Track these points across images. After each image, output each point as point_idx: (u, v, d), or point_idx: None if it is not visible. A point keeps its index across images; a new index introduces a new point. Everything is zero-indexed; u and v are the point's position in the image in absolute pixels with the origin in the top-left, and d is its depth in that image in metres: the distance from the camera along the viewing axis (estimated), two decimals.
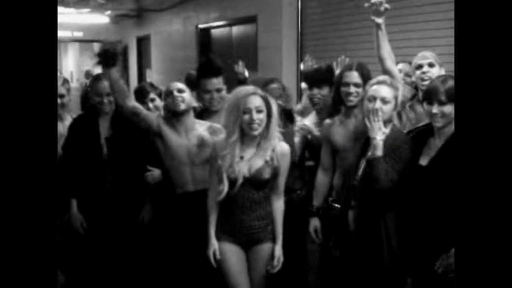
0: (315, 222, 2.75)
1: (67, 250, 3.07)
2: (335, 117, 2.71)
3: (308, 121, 3.03)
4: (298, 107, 3.33)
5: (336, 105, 2.70)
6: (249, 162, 2.35)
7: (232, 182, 2.33)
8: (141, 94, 3.16)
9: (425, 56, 2.75)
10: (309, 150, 3.02)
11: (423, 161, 2.18)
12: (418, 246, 2.16)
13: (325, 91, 2.89)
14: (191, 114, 2.78)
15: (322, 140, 2.78)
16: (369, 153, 2.23)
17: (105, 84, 2.91)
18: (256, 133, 2.30)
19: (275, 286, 2.82)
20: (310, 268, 3.29)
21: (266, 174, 2.35)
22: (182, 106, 2.68)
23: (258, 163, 2.35)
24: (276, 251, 2.45)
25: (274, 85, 2.89)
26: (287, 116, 2.91)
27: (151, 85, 3.29)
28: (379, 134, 2.21)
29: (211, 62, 2.99)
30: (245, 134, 2.33)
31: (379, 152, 2.20)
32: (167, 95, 2.73)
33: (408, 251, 2.22)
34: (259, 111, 2.27)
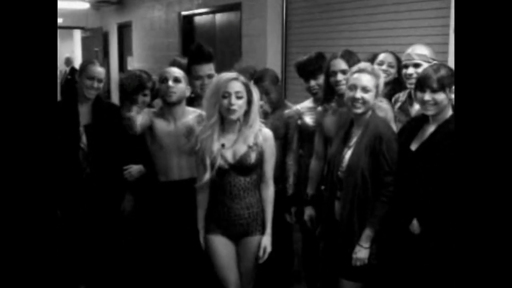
0: (309, 211, 2.75)
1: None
2: (328, 105, 2.70)
3: (304, 106, 3.01)
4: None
5: (327, 95, 2.71)
6: (232, 148, 2.36)
7: (219, 169, 2.33)
8: (138, 85, 2.99)
9: (411, 56, 2.65)
10: (299, 137, 2.99)
11: (413, 146, 2.19)
12: (403, 233, 2.15)
13: (321, 79, 2.86)
14: (183, 103, 2.74)
15: (316, 127, 2.78)
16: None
17: (99, 69, 2.92)
18: (234, 117, 2.32)
19: (262, 276, 2.81)
20: (295, 257, 3.28)
21: (252, 159, 2.36)
22: (174, 97, 2.65)
23: (242, 149, 2.36)
24: (263, 241, 2.43)
25: (265, 82, 2.94)
26: (275, 106, 2.94)
27: (149, 77, 3.11)
28: None
29: (202, 48, 3.00)
30: (225, 120, 2.36)
31: None
32: (162, 81, 2.66)
33: (387, 243, 2.22)
34: (238, 97, 2.31)
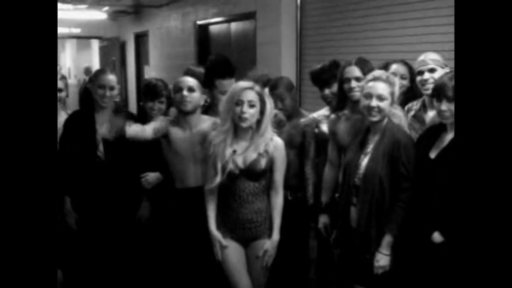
0: (324, 219, 2.76)
1: (64, 248, 3.04)
2: (341, 112, 2.71)
3: (320, 114, 3.03)
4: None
5: (340, 102, 2.72)
6: (243, 154, 2.43)
7: (229, 174, 2.39)
8: (154, 93, 3.05)
9: (425, 62, 2.64)
10: (316, 146, 3.00)
11: (432, 154, 2.18)
12: (422, 242, 2.14)
13: (335, 88, 2.87)
14: (198, 111, 2.77)
15: (329, 135, 2.79)
16: None
17: (110, 77, 2.91)
18: (244, 125, 2.39)
19: (277, 282, 2.83)
20: (311, 265, 3.28)
21: (261, 165, 2.42)
22: (189, 107, 2.68)
23: (252, 155, 2.43)
24: (266, 244, 2.47)
25: (279, 89, 2.94)
26: (291, 115, 2.96)
27: (165, 86, 3.14)
28: None
29: (229, 63, 3.00)
30: (238, 127, 2.42)
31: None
32: (177, 91, 2.70)
33: (407, 248, 2.21)
34: (251, 106, 2.37)
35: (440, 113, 2.13)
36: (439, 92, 2.12)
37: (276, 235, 2.50)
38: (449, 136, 2.16)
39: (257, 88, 2.42)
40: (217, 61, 3.08)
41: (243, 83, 2.44)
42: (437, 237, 2.08)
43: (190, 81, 2.73)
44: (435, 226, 2.09)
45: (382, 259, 2.23)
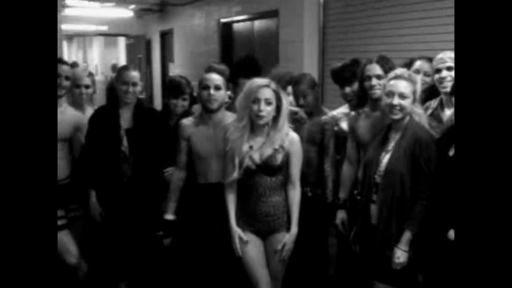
0: (342, 215, 2.78)
1: (88, 239, 3.14)
2: (361, 110, 2.72)
3: (340, 112, 3.05)
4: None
5: (361, 99, 2.73)
6: (259, 150, 2.48)
7: (246, 169, 2.45)
8: (178, 90, 3.13)
9: (443, 60, 2.63)
10: (336, 143, 3.02)
11: (451, 152, 2.19)
12: (440, 239, 2.15)
13: (356, 86, 2.89)
14: (223, 108, 2.81)
15: (348, 132, 2.80)
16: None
17: (133, 73, 2.95)
18: (261, 122, 2.44)
19: (296, 279, 2.86)
20: (330, 262, 3.30)
21: (278, 160, 2.47)
22: (215, 105, 2.72)
23: (268, 151, 2.48)
24: (284, 238, 2.51)
25: (302, 86, 2.97)
26: (312, 112, 2.99)
27: (188, 83, 3.23)
28: None
29: (255, 63, 3.03)
30: (254, 124, 2.47)
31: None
32: (203, 88, 2.73)
33: (423, 247, 2.22)
34: (268, 103, 2.42)
35: None
36: None
37: (294, 228, 2.53)
38: None
39: (273, 85, 2.46)
40: (245, 60, 3.13)
41: (259, 81, 2.48)
42: (452, 234, 2.09)
43: (217, 79, 2.75)
44: (451, 224, 2.10)
45: (402, 256, 2.25)
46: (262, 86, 2.43)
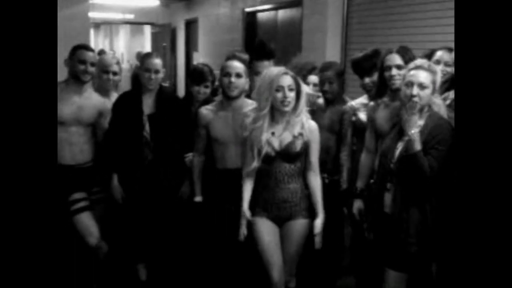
0: (358, 203, 2.81)
1: (109, 220, 3.23)
2: (381, 100, 2.73)
3: (358, 102, 3.07)
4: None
5: (380, 89, 2.75)
6: (279, 137, 2.52)
7: (266, 156, 2.49)
8: (201, 78, 3.20)
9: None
10: (353, 133, 3.05)
11: None
12: (451, 230, 2.16)
13: (375, 77, 2.90)
14: (243, 96, 2.85)
15: (367, 122, 2.82)
16: (406, 148, 2.24)
17: (156, 61, 3.01)
18: (287, 109, 2.47)
19: (311, 267, 2.90)
20: (345, 252, 3.33)
21: (297, 147, 2.51)
22: (236, 92, 2.77)
23: (288, 138, 2.52)
24: (316, 227, 2.54)
25: (329, 72, 3.03)
26: (334, 100, 3.05)
27: (210, 71, 3.29)
28: (415, 129, 2.21)
29: (264, 45, 3.13)
30: (276, 111, 2.50)
31: (418, 147, 2.22)
32: (225, 75, 2.77)
33: (437, 236, 2.23)
34: (290, 90, 2.46)
35: None
36: None
37: (321, 214, 2.57)
38: None
39: (291, 72, 2.51)
40: (255, 44, 3.21)
41: (277, 69, 2.52)
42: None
43: (238, 66, 2.79)
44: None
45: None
46: (282, 74, 2.47)
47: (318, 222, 2.55)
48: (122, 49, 15.91)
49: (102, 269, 3.22)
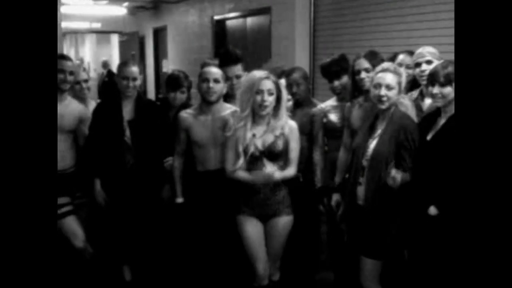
0: (336, 197, 2.95)
1: (93, 224, 3.30)
2: (356, 100, 2.92)
3: (328, 104, 3.22)
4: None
5: (354, 91, 2.93)
6: (262, 138, 2.65)
7: (250, 156, 2.62)
8: (176, 84, 3.33)
9: (422, 54, 2.84)
10: (325, 134, 3.19)
11: (429, 137, 2.40)
12: (420, 218, 2.35)
13: (344, 79, 3.08)
14: (221, 100, 2.96)
15: (345, 122, 2.99)
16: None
17: (132, 69, 3.10)
18: (264, 112, 2.60)
19: (289, 263, 3.04)
20: (323, 248, 3.48)
21: (279, 146, 2.64)
22: (214, 97, 2.87)
23: (270, 138, 2.65)
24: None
25: (296, 75, 3.16)
26: (303, 103, 3.17)
27: (186, 77, 3.41)
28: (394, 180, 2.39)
29: (229, 52, 3.21)
30: (256, 113, 2.63)
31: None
32: (203, 81, 2.87)
33: (408, 223, 2.42)
34: (270, 94, 2.58)
35: (433, 96, 2.36)
36: (432, 77, 2.34)
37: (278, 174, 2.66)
38: (443, 120, 2.37)
39: (273, 77, 2.63)
40: (220, 52, 3.33)
41: (259, 73, 2.63)
42: (433, 210, 2.29)
43: (216, 72, 2.91)
44: (431, 201, 2.30)
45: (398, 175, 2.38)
46: (264, 78, 2.59)
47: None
48: (88, 58, 15.77)
49: (88, 271, 3.29)
